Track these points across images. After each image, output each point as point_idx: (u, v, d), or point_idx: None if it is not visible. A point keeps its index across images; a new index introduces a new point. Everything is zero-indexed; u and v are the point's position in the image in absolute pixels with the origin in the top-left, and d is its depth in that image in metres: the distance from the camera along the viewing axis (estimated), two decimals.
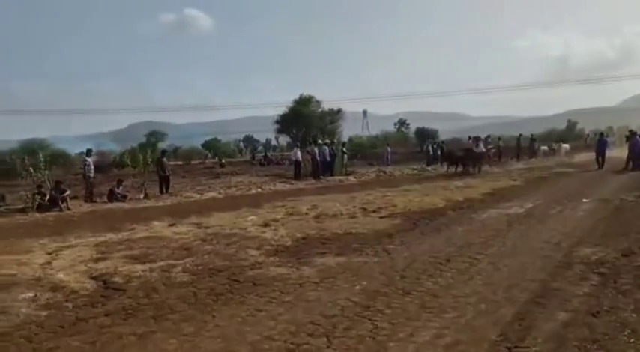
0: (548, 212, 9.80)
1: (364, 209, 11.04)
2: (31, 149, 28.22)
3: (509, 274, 5.51)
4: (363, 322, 4.28)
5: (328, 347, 3.81)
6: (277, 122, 48.14)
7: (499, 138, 32.76)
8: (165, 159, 18.22)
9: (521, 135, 33.49)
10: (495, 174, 21.08)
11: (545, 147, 32.33)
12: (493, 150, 27.08)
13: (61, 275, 6.18)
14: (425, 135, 51.30)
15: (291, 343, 3.89)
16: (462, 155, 22.66)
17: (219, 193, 17.16)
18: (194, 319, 4.56)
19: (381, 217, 9.93)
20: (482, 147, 23.48)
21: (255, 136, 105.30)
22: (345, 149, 26.28)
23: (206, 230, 9.13)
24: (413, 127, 65.55)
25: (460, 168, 22.27)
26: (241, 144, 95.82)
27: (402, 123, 76.05)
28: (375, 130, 71.95)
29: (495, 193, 13.45)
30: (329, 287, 5.36)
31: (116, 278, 5.96)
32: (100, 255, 7.29)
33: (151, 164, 17.53)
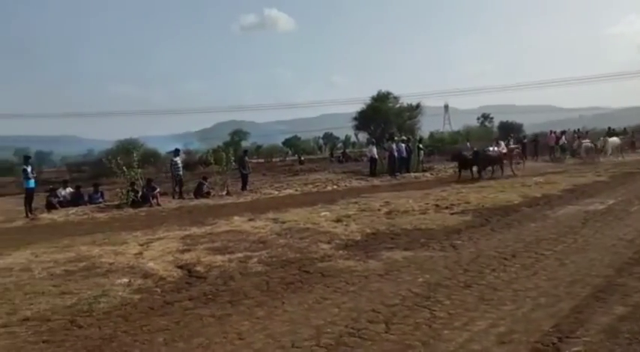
0: (629, 209, 9.40)
1: (436, 205, 11.10)
2: (125, 149, 30.46)
3: (575, 270, 5.48)
4: (422, 311, 4.50)
5: (386, 332, 4.08)
6: (355, 119, 48.47)
7: (580, 132, 30.74)
8: (246, 158, 19.12)
9: (610, 128, 31.66)
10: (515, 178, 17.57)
11: (587, 143, 25.26)
12: (517, 151, 22.67)
13: (151, 264, 6.86)
14: (509, 129, 49.50)
15: (352, 328, 4.20)
16: (472, 158, 19.19)
17: (297, 190, 17.75)
18: (266, 304, 4.98)
19: (452, 213, 9.98)
20: (502, 148, 20.81)
21: (335, 133, 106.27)
22: (421, 145, 26.11)
23: (282, 225, 9.63)
24: (497, 121, 63.34)
25: (475, 173, 18.97)
26: (321, 141, 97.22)
27: (485, 117, 73.80)
28: (457, 125, 70.39)
29: (576, 189, 12.97)
30: (392, 279, 5.61)
31: (199, 268, 6.54)
32: (185, 247, 7.96)
33: (233, 162, 18.44)
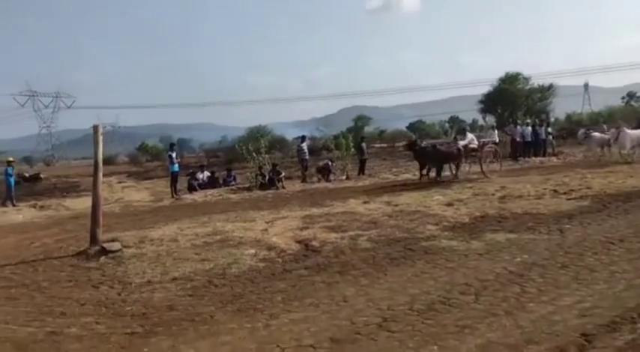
0: None
1: (554, 190, 10.88)
2: (255, 136, 32.67)
3: None
4: (513, 286, 4.83)
5: (474, 302, 4.50)
6: (481, 102, 46.95)
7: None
8: (364, 144, 19.82)
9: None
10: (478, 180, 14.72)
11: (596, 134, 18.99)
12: (489, 148, 16.88)
13: (274, 239, 7.79)
14: None
15: (444, 297, 4.67)
16: (424, 155, 15.72)
17: (414, 175, 18.06)
18: (370, 275, 5.61)
19: (569, 199, 9.79)
20: (470, 141, 16.17)
21: (461, 116, 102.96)
22: (550, 129, 24.86)
23: (394, 207, 10.15)
24: None
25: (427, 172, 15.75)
26: (446, 125, 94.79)
27: (631, 96, 67.16)
28: (599, 105, 64.77)
29: None
30: (491, 258, 5.93)
31: (314, 243, 7.33)
32: (304, 225, 8.82)
33: (352, 148, 19.24)
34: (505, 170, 17.47)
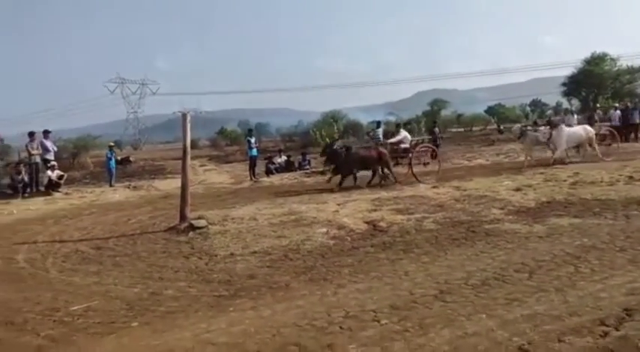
0: None
1: (630, 177, 10.64)
2: (328, 121, 33.28)
3: None
4: (567, 267, 5.09)
5: (527, 279, 4.83)
6: (564, 84, 44.86)
7: None
8: (436, 129, 19.89)
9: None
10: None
11: (540, 130, 15.52)
12: (423, 148, 14.71)
13: (344, 219, 8.34)
14: None
15: (498, 274, 5.03)
16: (338, 159, 13.21)
17: (487, 160, 18.00)
18: (431, 254, 6.03)
19: None
20: (396, 141, 14.38)
21: (544, 100, 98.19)
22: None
23: (462, 192, 10.38)
24: None
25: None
26: (527, 108, 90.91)
27: None
28: None
29: None
30: (551, 241, 6.16)
31: (382, 224, 7.80)
32: (373, 207, 9.31)
33: (423, 133, 19.37)
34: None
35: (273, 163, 19.28)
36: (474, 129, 49.21)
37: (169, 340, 4.06)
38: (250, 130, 19.96)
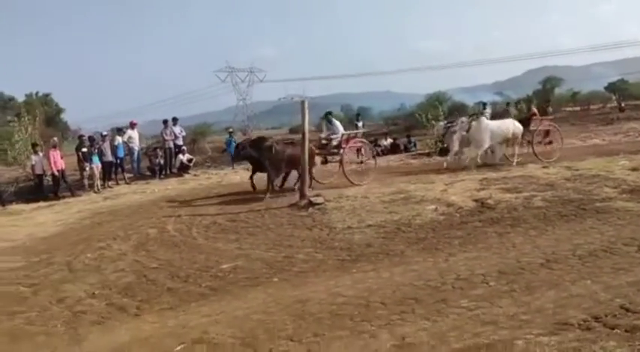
0: None
1: None
2: (433, 103, 33.03)
3: None
4: None
5: (636, 252, 5.05)
6: None
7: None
8: (550, 109, 19.25)
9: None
10: None
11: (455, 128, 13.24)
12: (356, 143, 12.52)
13: (453, 198, 8.75)
14: None
15: (606, 247, 5.29)
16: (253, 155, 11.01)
17: (603, 140, 17.22)
18: (539, 228, 6.33)
19: None
20: (336, 135, 12.02)
21: None
22: None
23: (574, 172, 10.30)
24: None
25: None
26: None
27: None
28: None
29: None
30: None
31: (489, 201, 8.13)
32: (481, 187, 9.59)
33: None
34: None
35: (379, 146, 19.83)
36: (592, 107, 46.11)
37: (306, 292, 4.86)
38: (358, 114, 20.65)
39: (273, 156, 10.57)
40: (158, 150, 16.71)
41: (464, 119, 13.05)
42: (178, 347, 3.91)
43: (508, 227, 6.56)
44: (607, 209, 6.93)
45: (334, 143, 11.91)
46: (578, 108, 45.64)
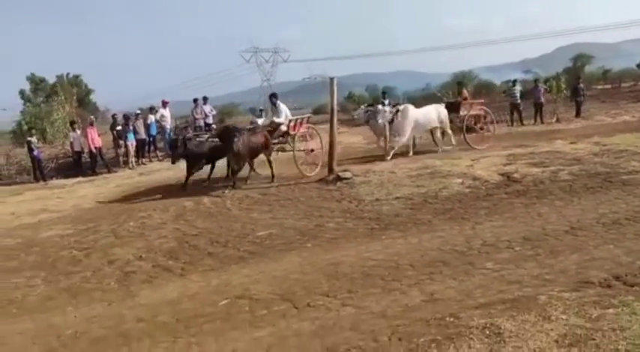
0: None
1: None
2: (459, 81, 32.75)
3: None
4: None
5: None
6: None
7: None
8: (580, 85, 18.99)
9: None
10: None
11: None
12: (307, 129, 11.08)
13: (479, 172, 8.90)
14: None
15: (630, 216, 5.44)
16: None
17: (633, 117, 16.99)
18: (564, 199, 6.50)
19: None
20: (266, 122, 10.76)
21: None
22: None
23: (602, 147, 10.31)
24: None
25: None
26: None
27: None
28: None
29: None
30: None
31: (516, 175, 8.27)
32: (507, 162, 9.70)
33: (564, 90, 18.68)
34: None
35: None
36: (623, 85, 45.05)
37: (338, 256, 5.15)
38: (384, 93, 20.74)
39: (241, 147, 9.35)
40: (188, 128, 17.11)
41: (387, 109, 11.98)
42: (223, 302, 4.25)
43: (534, 198, 6.74)
44: (633, 181, 7.03)
45: (283, 128, 10.48)
46: (609, 86, 44.65)
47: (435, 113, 12.28)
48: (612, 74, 55.54)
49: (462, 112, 12.98)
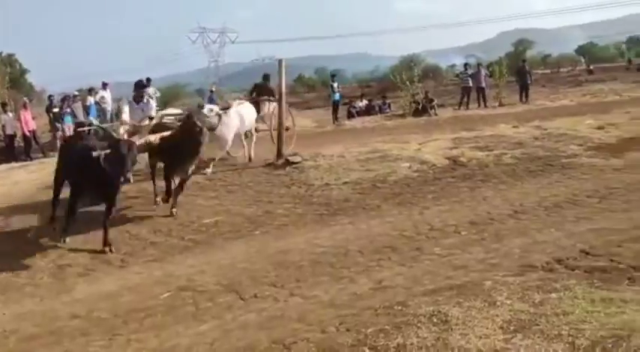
0: None
1: None
2: (408, 65, 33.08)
3: None
4: (638, 193, 5.57)
5: (597, 203, 5.41)
6: None
7: None
8: (527, 67, 19.53)
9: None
10: None
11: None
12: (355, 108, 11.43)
13: (426, 156, 8.96)
14: None
15: (570, 199, 5.62)
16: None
17: (572, 101, 17.65)
18: (508, 183, 6.64)
19: None
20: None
21: None
22: None
23: (543, 131, 10.61)
24: None
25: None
26: (623, 46, 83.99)
27: None
28: None
29: None
30: (627, 172, 6.58)
31: (462, 159, 8.37)
32: (453, 145, 9.81)
33: (505, 75, 19.16)
34: None
35: (355, 107, 19.93)
36: (562, 70, 46.79)
37: (287, 243, 5.06)
38: (333, 75, 20.66)
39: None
40: None
41: (213, 107, 8.16)
42: (166, 294, 4.08)
43: (479, 182, 6.84)
44: (572, 164, 7.26)
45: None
46: (548, 71, 46.18)
47: (252, 113, 9.49)
48: (551, 59, 57.47)
49: (263, 112, 10.25)
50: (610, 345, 2.64)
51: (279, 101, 9.70)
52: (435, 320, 3.14)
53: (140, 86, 7.04)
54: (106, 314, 3.84)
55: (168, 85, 35.39)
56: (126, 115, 6.98)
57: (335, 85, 18.57)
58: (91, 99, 15.23)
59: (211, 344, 3.23)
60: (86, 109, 14.77)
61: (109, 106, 15.85)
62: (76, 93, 15.64)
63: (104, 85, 15.90)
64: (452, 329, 3.00)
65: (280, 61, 9.42)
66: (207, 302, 3.87)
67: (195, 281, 4.29)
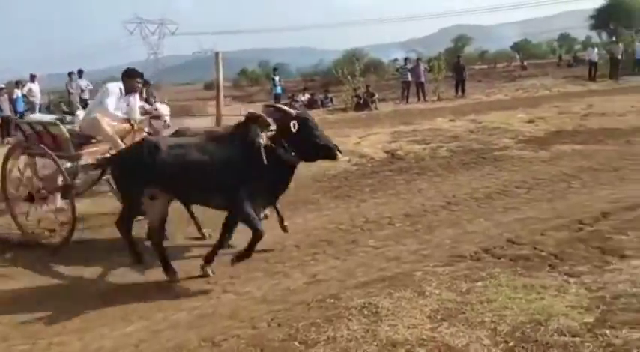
0: None
1: None
2: (351, 59, 33.32)
3: None
4: (561, 184, 5.85)
5: (525, 194, 5.62)
6: (592, 17, 43.57)
7: None
8: (462, 63, 20.09)
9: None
10: None
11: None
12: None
13: (366, 149, 9.07)
14: None
15: (500, 190, 5.81)
16: None
17: (506, 95, 18.35)
18: (442, 175, 6.80)
19: None
20: None
21: (572, 34, 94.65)
22: None
23: (477, 124, 10.96)
24: None
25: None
26: (555, 44, 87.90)
27: None
28: None
29: None
30: (552, 164, 6.87)
31: (400, 152, 8.53)
32: (392, 139, 9.98)
33: (443, 70, 19.66)
34: (602, 90, 17.25)
35: (297, 101, 19.89)
36: (498, 66, 48.51)
37: None
38: (275, 69, 20.55)
39: None
40: (62, 104, 15.79)
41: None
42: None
43: (415, 175, 6.98)
44: (504, 157, 7.53)
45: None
46: (485, 67, 47.77)
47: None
48: (488, 55, 59.49)
49: None
50: (529, 330, 2.75)
51: (217, 94, 9.56)
52: (365, 312, 3.17)
53: (132, 75, 4.96)
54: (28, 318, 3.64)
55: (105, 78, 34.09)
56: (111, 107, 5.24)
57: (277, 78, 18.46)
58: (18, 92, 14.47)
59: (136, 345, 3.12)
60: (13, 103, 14.02)
61: (38, 100, 15.12)
62: (2, 86, 14.78)
63: (32, 78, 15.14)
64: (381, 320, 3.04)
65: (217, 54, 9.26)
66: (137, 302, 3.74)
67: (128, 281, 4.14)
